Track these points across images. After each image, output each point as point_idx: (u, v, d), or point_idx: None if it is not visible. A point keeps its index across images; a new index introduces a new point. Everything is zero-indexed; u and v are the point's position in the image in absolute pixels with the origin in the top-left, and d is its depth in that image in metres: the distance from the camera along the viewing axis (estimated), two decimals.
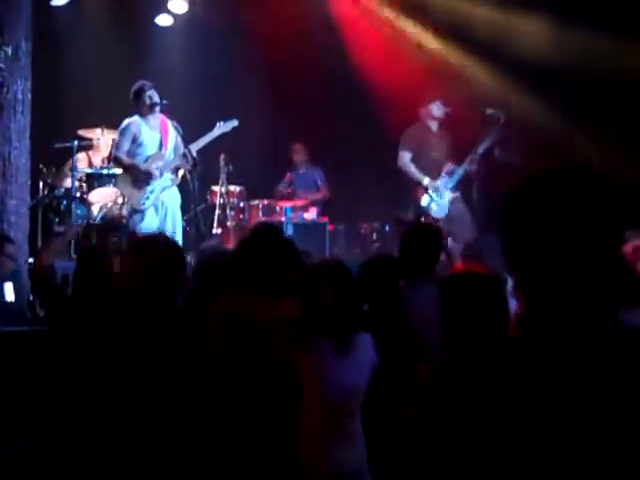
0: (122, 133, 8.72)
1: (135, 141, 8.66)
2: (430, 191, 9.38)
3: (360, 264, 4.92)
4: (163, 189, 8.66)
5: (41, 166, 9.67)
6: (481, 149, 9.32)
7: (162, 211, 8.65)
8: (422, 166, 9.46)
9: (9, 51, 7.16)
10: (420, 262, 4.83)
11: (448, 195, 9.42)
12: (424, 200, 9.40)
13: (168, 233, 8.35)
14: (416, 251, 4.86)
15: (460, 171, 9.39)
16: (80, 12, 10.81)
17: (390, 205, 10.15)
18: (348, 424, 3.84)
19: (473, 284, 3.29)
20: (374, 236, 10.69)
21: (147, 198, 8.58)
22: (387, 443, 3.95)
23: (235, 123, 9.04)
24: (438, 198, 9.39)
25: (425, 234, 5.04)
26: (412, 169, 9.46)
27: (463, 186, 9.51)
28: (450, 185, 9.44)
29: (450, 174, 9.44)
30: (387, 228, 10.68)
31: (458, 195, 9.49)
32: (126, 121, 8.71)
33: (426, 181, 9.40)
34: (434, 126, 9.59)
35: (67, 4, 10.52)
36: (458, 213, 9.30)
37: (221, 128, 8.97)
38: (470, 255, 6.26)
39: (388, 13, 11.08)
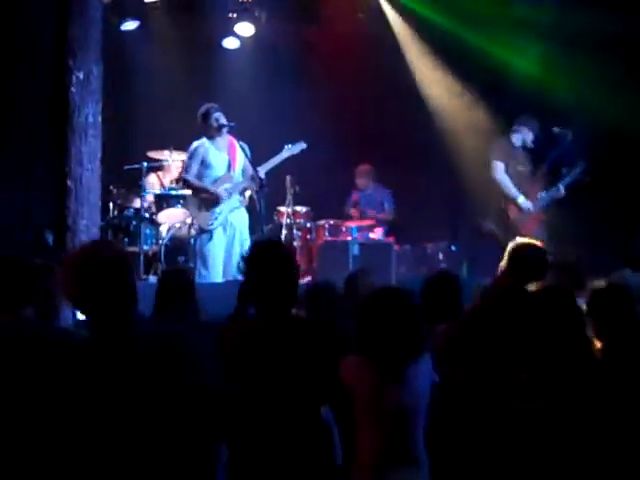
0: (191, 156, 8.84)
1: (204, 163, 8.77)
2: (523, 209, 9.32)
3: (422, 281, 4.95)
4: (231, 210, 8.75)
5: (111, 187, 9.85)
6: (572, 177, 9.27)
7: (230, 231, 8.73)
8: (511, 180, 9.41)
9: (81, 76, 7.31)
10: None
11: (537, 216, 9.39)
12: (515, 218, 9.35)
13: (236, 254, 8.46)
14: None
15: (552, 194, 9.37)
16: (149, 36, 11.01)
17: (456, 225, 10.14)
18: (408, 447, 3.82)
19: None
20: (440, 256, 10.65)
21: (215, 219, 8.67)
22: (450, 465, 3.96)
23: (303, 146, 9.10)
24: (527, 216, 9.35)
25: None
26: (509, 184, 9.39)
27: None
28: (540, 205, 9.40)
29: (542, 195, 9.39)
30: (453, 248, 10.66)
31: (544, 219, 9.45)
32: (195, 144, 8.82)
33: (521, 200, 9.35)
34: (518, 142, 9.56)
35: (136, 28, 10.77)
36: (543, 237, 9.18)
37: (289, 150, 9.04)
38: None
39: None
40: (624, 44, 9.56)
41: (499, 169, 9.40)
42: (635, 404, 3.59)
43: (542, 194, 9.39)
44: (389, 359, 3.74)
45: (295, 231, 10.39)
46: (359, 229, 10.52)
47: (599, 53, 9.43)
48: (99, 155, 7.46)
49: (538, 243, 5.56)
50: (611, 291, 4.37)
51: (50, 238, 7.48)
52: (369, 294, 3.94)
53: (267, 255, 3.81)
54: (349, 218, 10.93)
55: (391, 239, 10.42)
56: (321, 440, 3.71)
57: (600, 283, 4.50)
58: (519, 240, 5.63)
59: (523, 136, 9.51)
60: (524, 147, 9.55)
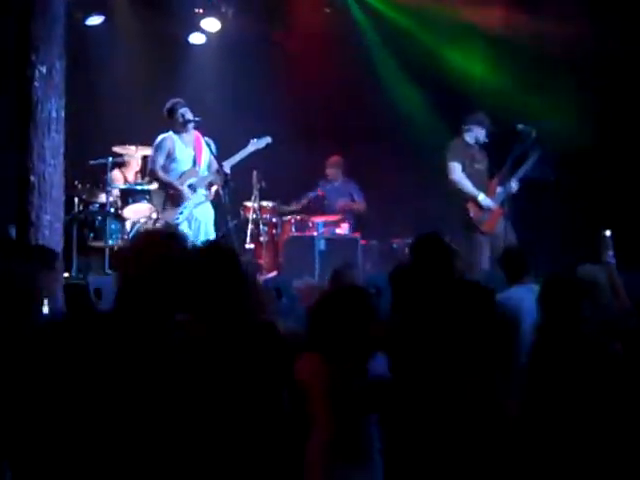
0: (157, 148, 8.85)
1: (169, 156, 8.78)
2: (483, 206, 9.35)
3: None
4: (196, 205, 8.76)
5: (76, 182, 9.79)
6: (523, 170, 9.32)
7: (195, 226, 8.74)
8: (469, 179, 9.42)
9: (43, 70, 7.25)
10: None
11: (498, 211, 9.39)
12: (476, 215, 9.37)
13: None
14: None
15: (508, 188, 9.38)
16: (114, 31, 10.97)
17: (422, 221, 10.17)
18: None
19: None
20: (407, 252, 10.67)
21: (181, 213, 8.68)
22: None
23: (268, 140, 9.13)
24: (489, 214, 9.38)
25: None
26: (467, 183, 9.39)
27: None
28: (499, 200, 9.41)
29: (500, 190, 9.41)
30: None
31: (506, 211, 9.43)
32: (161, 136, 8.83)
33: (481, 197, 9.36)
34: (472, 141, 9.58)
35: (101, 23, 10.72)
36: (504, 230, 9.22)
37: (254, 145, 9.06)
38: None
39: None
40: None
41: (455, 170, 9.39)
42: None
43: (499, 189, 9.41)
44: (345, 357, 3.77)
45: (261, 226, 10.39)
46: (325, 224, 10.56)
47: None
48: (62, 150, 7.40)
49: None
50: (560, 283, 4.45)
51: (13, 232, 7.43)
52: (325, 293, 3.98)
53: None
54: (309, 207, 10.96)
55: (357, 234, 10.45)
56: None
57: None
58: None
59: (475, 133, 9.51)
60: (479, 144, 9.56)
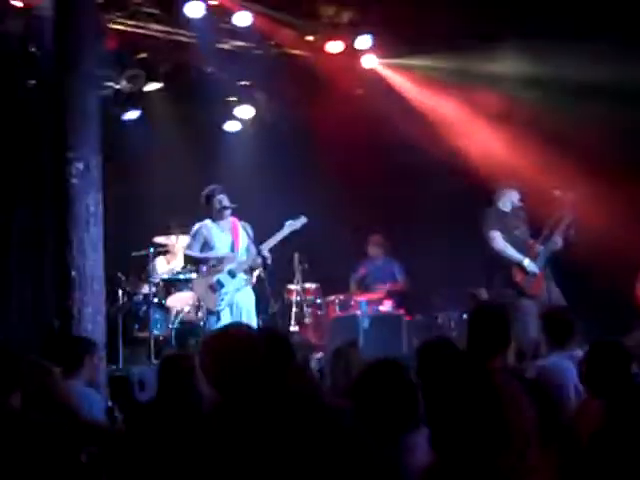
0: (194, 236, 8.94)
1: (207, 244, 8.85)
2: (529, 271, 9.32)
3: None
4: (237, 290, 8.78)
5: (119, 274, 9.91)
6: (564, 229, 9.31)
7: (237, 312, 8.76)
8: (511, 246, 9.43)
9: (80, 167, 7.39)
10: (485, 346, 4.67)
11: (541, 274, 9.36)
12: (522, 280, 9.32)
13: None
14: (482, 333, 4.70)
15: (549, 249, 9.38)
16: (151, 124, 11.14)
17: (466, 293, 10.12)
18: None
19: None
20: (452, 325, 10.62)
21: (222, 300, 8.71)
22: None
23: (304, 220, 9.14)
24: (533, 278, 9.33)
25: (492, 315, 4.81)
26: (508, 248, 9.38)
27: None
28: (541, 264, 9.39)
29: (541, 253, 9.40)
30: (464, 316, 10.61)
31: (548, 272, 9.43)
32: (197, 225, 8.92)
33: (526, 262, 9.33)
34: (507, 208, 9.59)
35: (138, 117, 10.93)
36: (552, 290, 9.18)
37: (290, 226, 9.08)
38: None
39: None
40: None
41: (496, 238, 9.41)
42: None
43: (540, 248, 9.40)
44: (382, 430, 3.70)
45: (305, 308, 10.41)
46: (369, 302, 10.53)
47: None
48: (101, 244, 7.51)
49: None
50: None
51: (57, 326, 7.50)
52: (364, 367, 3.92)
53: None
54: (352, 292, 10.95)
55: (401, 311, 10.42)
56: None
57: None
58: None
59: (508, 199, 9.55)
60: (514, 208, 9.57)
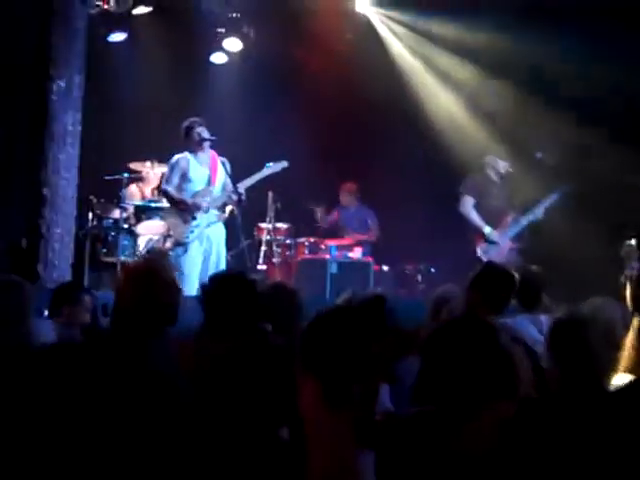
0: (172, 168, 8.83)
1: (184, 176, 8.75)
2: (489, 240, 9.47)
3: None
4: (208, 224, 8.73)
5: (91, 197, 9.83)
6: (549, 202, 9.39)
7: (206, 245, 8.70)
8: (482, 214, 9.58)
9: (62, 84, 7.32)
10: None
11: (507, 244, 9.49)
12: (480, 248, 9.49)
13: (212, 268, 8.46)
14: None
15: (524, 222, 9.52)
16: (136, 48, 11.01)
17: (436, 248, 10.15)
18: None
19: None
20: (419, 277, 10.67)
21: (191, 232, 8.65)
22: None
23: (285, 164, 9.09)
24: (496, 247, 9.45)
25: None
26: (473, 215, 9.58)
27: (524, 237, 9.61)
28: (510, 235, 9.53)
29: (513, 224, 9.54)
30: (432, 270, 10.67)
31: (516, 246, 9.57)
32: (176, 156, 8.82)
33: (487, 230, 9.50)
34: (495, 176, 9.71)
35: (124, 40, 10.78)
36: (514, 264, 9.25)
37: (270, 168, 9.03)
38: None
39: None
40: None
41: (466, 203, 9.61)
42: None
43: (514, 220, 9.52)
44: (333, 380, 3.67)
45: (275, 247, 10.39)
46: (338, 248, 10.54)
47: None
48: (77, 164, 7.47)
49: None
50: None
51: (24, 244, 7.46)
52: (320, 313, 3.89)
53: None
54: (323, 232, 10.95)
55: (370, 259, 10.43)
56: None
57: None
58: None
59: (493, 167, 9.66)
60: (501, 178, 9.68)
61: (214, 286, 4.29)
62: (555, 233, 9.72)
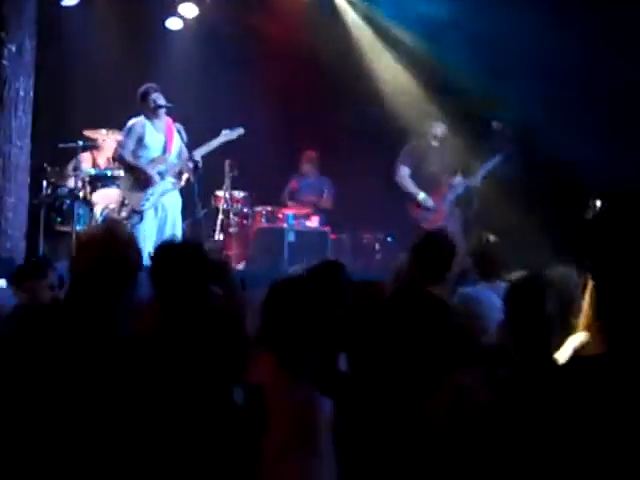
0: (128, 133, 8.70)
1: (140, 142, 8.63)
2: (423, 205, 9.58)
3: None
4: (164, 192, 8.63)
5: (45, 165, 9.66)
6: (490, 165, 9.42)
7: (162, 214, 8.61)
8: (420, 181, 9.66)
9: (13, 48, 7.18)
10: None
11: (444, 210, 9.55)
12: (417, 215, 9.60)
13: (167, 236, 8.36)
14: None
15: (461, 187, 9.57)
16: (90, 13, 10.82)
17: (393, 216, 10.14)
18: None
19: None
20: (377, 246, 10.67)
21: (147, 200, 8.55)
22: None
23: (241, 131, 9.02)
24: (431, 213, 9.53)
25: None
26: (407, 183, 9.71)
27: (464, 200, 9.61)
28: (448, 200, 9.60)
29: (451, 189, 9.61)
30: (389, 239, 10.66)
31: (455, 211, 9.67)
32: (132, 121, 8.69)
33: (421, 196, 9.61)
34: (434, 142, 9.75)
35: (77, 5, 10.57)
36: (451, 227, 9.26)
37: (227, 135, 8.95)
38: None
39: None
40: None
41: (399, 171, 9.75)
42: None
43: (454, 182, 9.65)
44: (290, 352, 3.65)
45: (232, 216, 10.33)
46: (296, 217, 10.49)
47: None
48: (29, 132, 7.34)
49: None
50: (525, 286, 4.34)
51: None
52: (274, 284, 3.86)
53: None
54: (283, 206, 10.89)
55: (327, 228, 10.40)
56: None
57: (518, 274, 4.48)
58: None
59: (430, 132, 9.72)
60: (439, 141, 9.72)
61: (160, 254, 4.24)
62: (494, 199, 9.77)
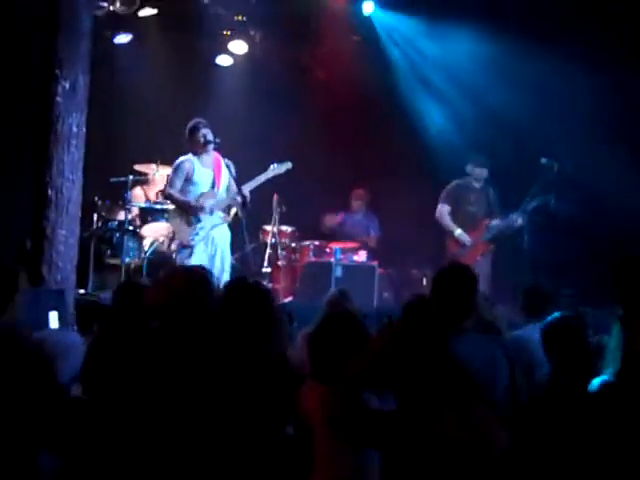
0: (176, 170, 8.80)
1: (188, 179, 8.72)
2: (460, 241, 9.78)
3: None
4: (213, 227, 8.71)
5: (96, 199, 9.83)
6: (533, 203, 9.43)
7: (211, 248, 8.69)
8: (459, 219, 9.89)
9: (67, 85, 7.30)
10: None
11: (479, 248, 9.76)
12: (454, 250, 9.79)
13: (217, 270, 8.42)
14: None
15: (495, 229, 9.76)
16: (142, 49, 11.02)
17: (440, 251, 10.13)
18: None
19: None
20: (424, 281, 10.62)
21: (196, 234, 8.63)
22: None
23: (289, 165, 9.07)
24: (467, 249, 9.74)
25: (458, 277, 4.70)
26: (446, 219, 9.93)
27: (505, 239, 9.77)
28: (484, 239, 9.80)
29: (488, 229, 9.81)
30: None
31: (490, 250, 9.85)
32: (180, 159, 8.78)
33: (457, 232, 9.82)
34: (476, 183, 9.95)
35: (130, 42, 10.78)
36: (480, 265, 9.27)
37: (274, 170, 9.00)
38: None
39: None
40: None
41: (440, 209, 9.99)
42: None
43: (492, 223, 9.81)
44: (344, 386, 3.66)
45: (280, 251, 10.36)
46: (343, 251, 10.49)
47: None
48: (81, 166, 7.43)
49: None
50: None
51: (29, 245, 7.44)
52: (320, 321, 3.92)
53: None
54: (328, 232, 10.94)
55: (375, 262, 10.39)
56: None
57: None
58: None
59: (475, 174, 9.90)
60: (481, 184, 9.91)
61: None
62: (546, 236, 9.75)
